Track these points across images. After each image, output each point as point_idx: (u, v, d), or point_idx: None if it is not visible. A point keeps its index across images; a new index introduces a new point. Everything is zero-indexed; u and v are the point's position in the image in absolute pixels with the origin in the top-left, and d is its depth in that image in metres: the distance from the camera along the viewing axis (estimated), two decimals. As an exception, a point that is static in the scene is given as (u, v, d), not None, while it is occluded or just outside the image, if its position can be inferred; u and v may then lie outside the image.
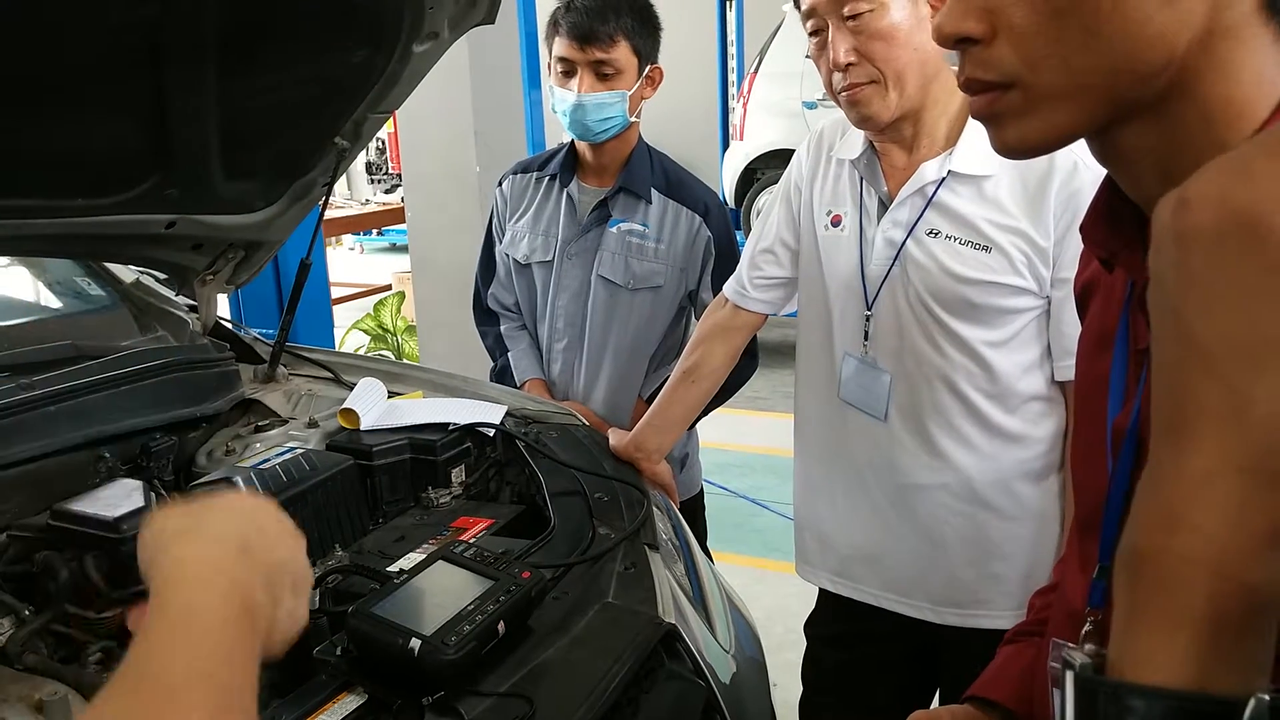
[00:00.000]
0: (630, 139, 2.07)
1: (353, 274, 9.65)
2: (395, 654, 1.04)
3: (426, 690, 1.04)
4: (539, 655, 1.15)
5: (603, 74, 1.96)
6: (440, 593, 1.14)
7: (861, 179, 1.51)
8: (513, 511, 1.61)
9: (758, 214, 6.08)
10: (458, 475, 1.72)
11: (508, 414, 1.83)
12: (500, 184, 2.26)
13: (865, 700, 1.64)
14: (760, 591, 3.18)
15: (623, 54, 1.96)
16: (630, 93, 1.98)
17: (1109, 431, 0.69)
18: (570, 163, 2.13)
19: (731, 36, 8.68)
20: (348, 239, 12.35)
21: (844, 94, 1.40)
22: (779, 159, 6.52)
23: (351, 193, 11.26)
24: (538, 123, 5.24)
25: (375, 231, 11.91)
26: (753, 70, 6.99)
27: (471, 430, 1.76)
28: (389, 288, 7.58)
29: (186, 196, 1.69)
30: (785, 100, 6.63)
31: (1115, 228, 0.69)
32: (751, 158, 6.89)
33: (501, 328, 2.25)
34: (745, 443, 4.69)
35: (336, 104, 1.74)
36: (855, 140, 1.51)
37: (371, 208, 9.84)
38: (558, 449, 1.73)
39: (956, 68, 1.43)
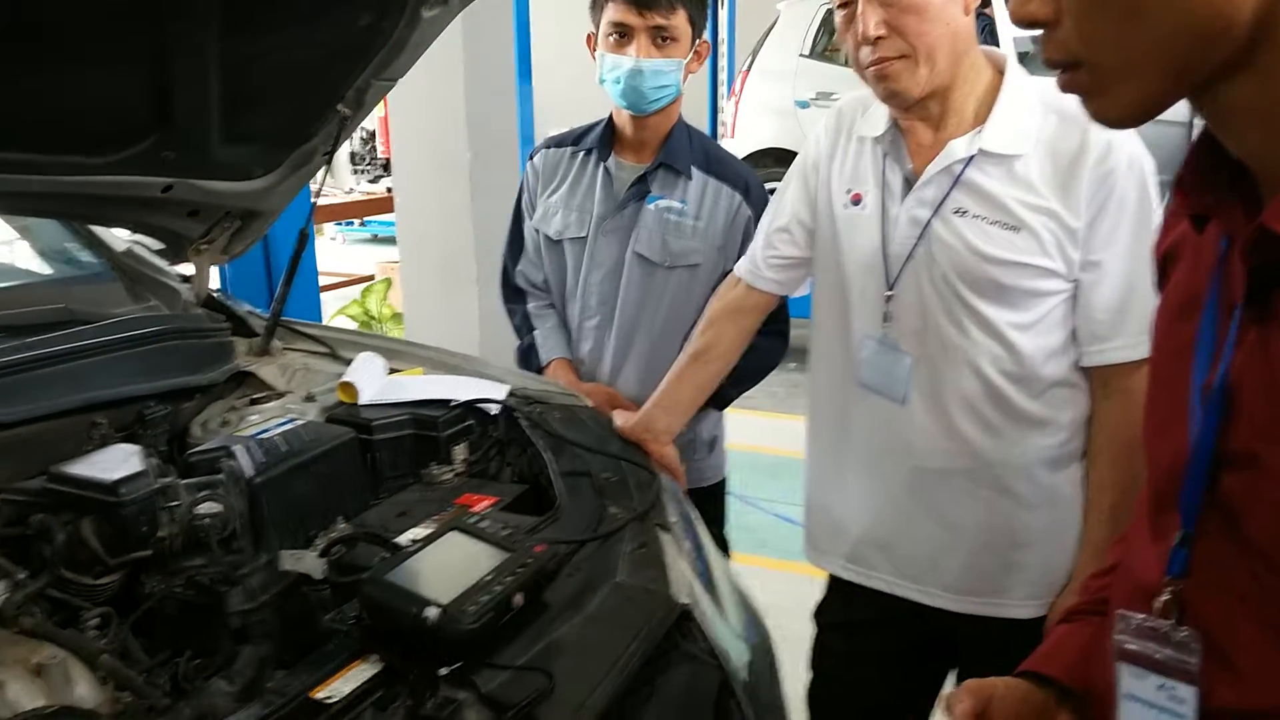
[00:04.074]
0: (673, 114, 2.04)
1: (334, 264, 9.54)
2: (410, 623, 1.00)
3: (441, 661, 1.01)
4: (554, 631, 1.12)
5: (660, 40, 1.93)
6: (454, 563, 1.11)
7: (885, 156, 1.48)
8: (517, 490, 1.58)
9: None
10: (460, 453, 1.69)
11: (510, 393, 1.79)
12: (532, 158, 2.22)
13: (875, 688, 1.62)
14: (751, 588, 3.15)
15: (680, 21, 1.93)
16: (685, 62, 1.96)
17: (1194, 395, 0.67)
18: (608, 137, 2.09)
19: (723, 35, 8.68)
20: (329, 228, 12.22)
21: (872, 69, 1.37)
22: (770, 157, 6.51)
23: (335, 181, 11.15)
24: (527, 114, 5.20)
25: (357, 222, 11.79)
26: (745, 68, 6.99)
27: (474, 408, 1.73)
28: (371, 278, 7.51)
29: (184, 160, 1.65)
30: (778, 99, 6.62)
31: (1211, 182, 0.67)
32: (743, 156, 6.88)
33: (529, 306, 2.20)
34: (730, 440, 4.65)
35: (340, 69, 1.69)
36: (878, 117, 1.49)
37: (355, 196, 9.74)
38: (562, 429, 1.70)
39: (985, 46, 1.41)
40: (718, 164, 2.07)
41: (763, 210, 2.01)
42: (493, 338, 4.05)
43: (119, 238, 2.04)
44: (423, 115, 4.32)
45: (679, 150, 2.04)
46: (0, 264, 1.93)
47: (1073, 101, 0.65)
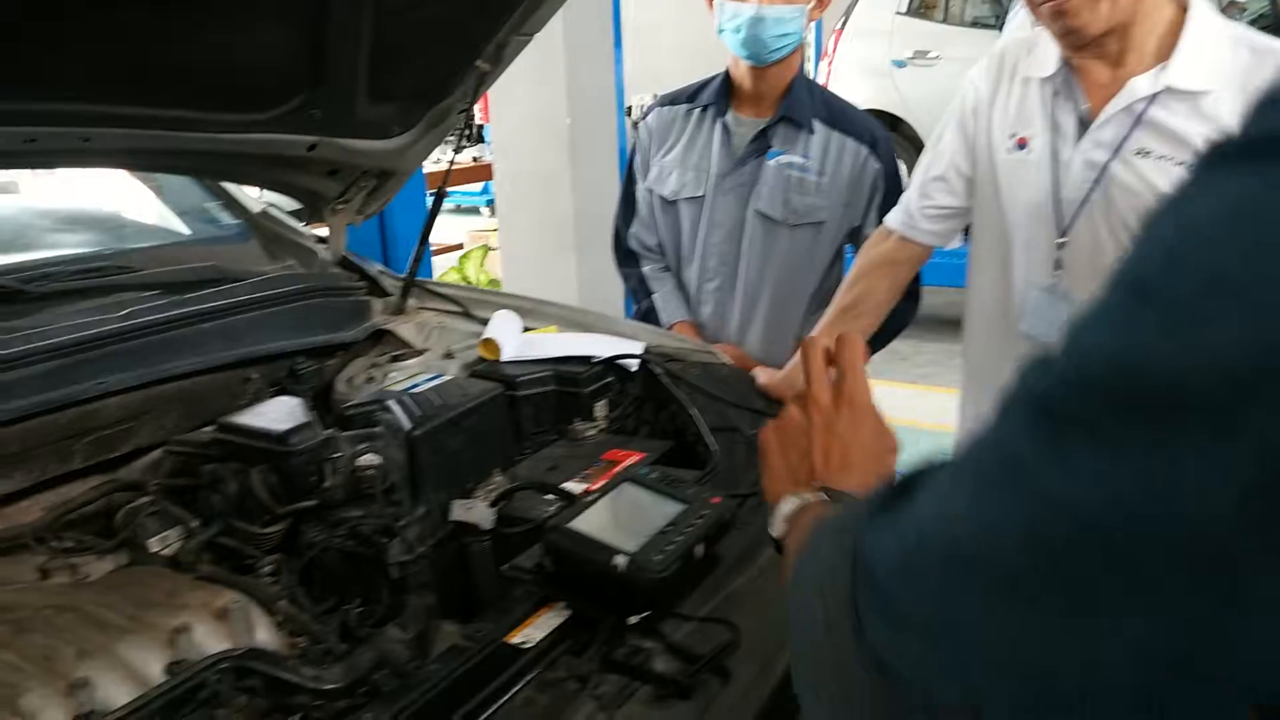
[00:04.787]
0: (794, 65, 1.98)
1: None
2: (598, 570, 0.99)
3: (628, 609, 1.00)
4: (731, 583, 1.11)
5: None
6: (633, 513, 1.09)
7: (1055, 96, 1.41)
8: (663, 446, 1.56)
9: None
10: (601, 409, 1.68)
11: (646, 350, 1.77)
12: (645, 117, 2.18)
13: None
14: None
15: None
16: (808, 8, 1.90)
17: None
18: (725, 92, 2.03)
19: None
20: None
21: (1048, 5, 1.30)
22: (865, 120, 6.35)
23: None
24: (618, 82, 5.18)
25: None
26: (838, 27, 6.82)
27: (613, 364, 1.71)
28: (460, 247, 7.57)
29: (329, 117, 1.65)
30: (874, 59, 6.46)
31: None
32: (836, 118, 6.74)
33: (644, 269, 2.17)
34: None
35: (483, 23, 1.68)
36: (1047, 57, 1.42)
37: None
38: (704, 385, 1.67)
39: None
40: (841, 116, 2.01)
41: (891, 164, 1.95)
42: (592, 304, 4.05)
43: (256, 199, 2.07)
44: (523, 81, 4.31)
45: (800, 103, 1.98)
46: (148, 224, 1.97)
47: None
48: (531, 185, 4.49)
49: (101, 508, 1.36)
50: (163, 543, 1.27)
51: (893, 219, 1.64)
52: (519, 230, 4.62)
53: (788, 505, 0.76)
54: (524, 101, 4.41)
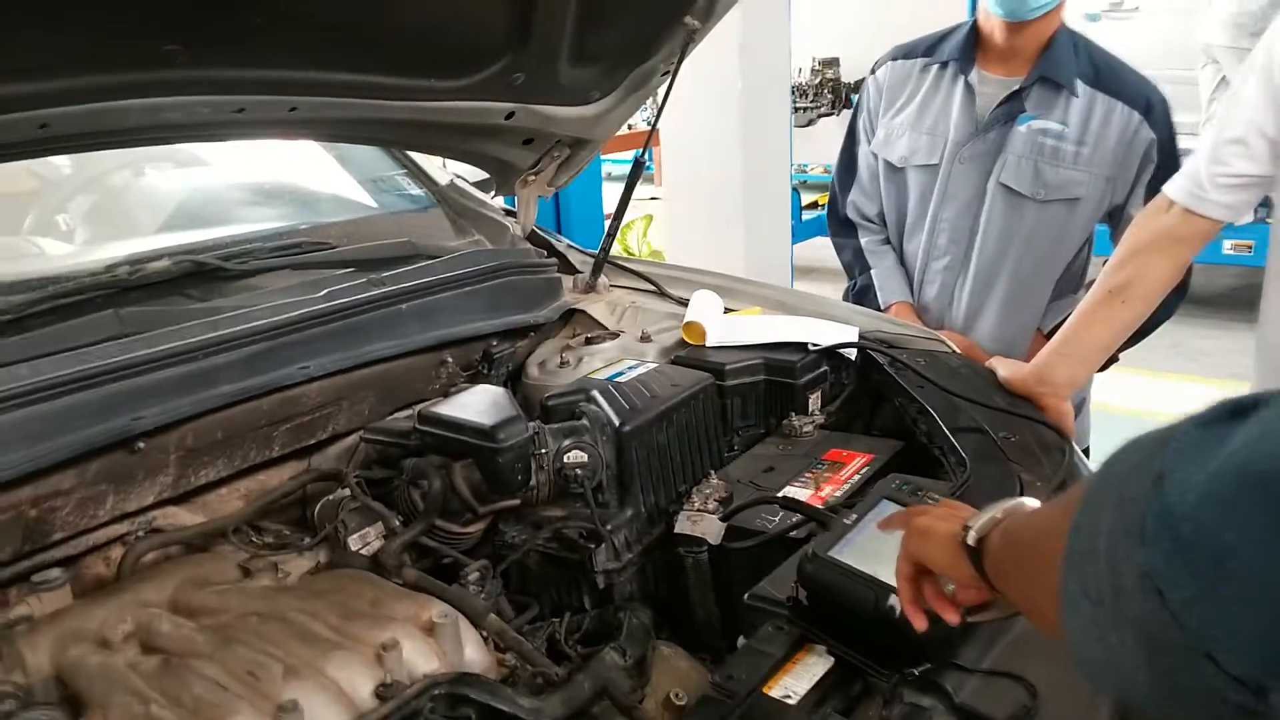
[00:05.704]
0: (1055, 19, 1.75)
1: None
2: (867, 611, 0.84)
3: (904, 659, 0.84)
4: (1013, 624, 0.93)
5: None
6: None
7: None
8: (893, 447, 1.39)
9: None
10: (814, 402, 1.52)
11: (861, 336, 1.60)
12: (874, 71, 1.98)
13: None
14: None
15: None
16: None
17: None
18: (971, 46, 1.82)
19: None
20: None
21: None
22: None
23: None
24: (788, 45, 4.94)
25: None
26: (1026, -19, 6.36)
27: (827, 353, 1.55)
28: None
29: (531, 83, 1.54)
30: (1065, 12, 5.99)
31: None
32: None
33: (862, 241, 1.98)
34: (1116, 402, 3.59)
35: (697, -27, 1.53)
36: None
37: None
38: (937, 378, 1.48)
39: None
40: (1110, 77, 1.76)
41: (1167, 134, 1.70)
42: (759, 278, 3.88)
43: (443, 170, 1.98)
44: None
45: (1062, 61, 1.74)
46: (339, 196, 1.91)
47: None
48: (700, 152, 4.32)
49: (298, 498, 1.30)
50: (362, 540, 1.19)
51: (1175, 189, 1.40)
52: (685, 199, 4.47)
53: (980, 520, 0.71)
54: (694, 64, 4.23)
